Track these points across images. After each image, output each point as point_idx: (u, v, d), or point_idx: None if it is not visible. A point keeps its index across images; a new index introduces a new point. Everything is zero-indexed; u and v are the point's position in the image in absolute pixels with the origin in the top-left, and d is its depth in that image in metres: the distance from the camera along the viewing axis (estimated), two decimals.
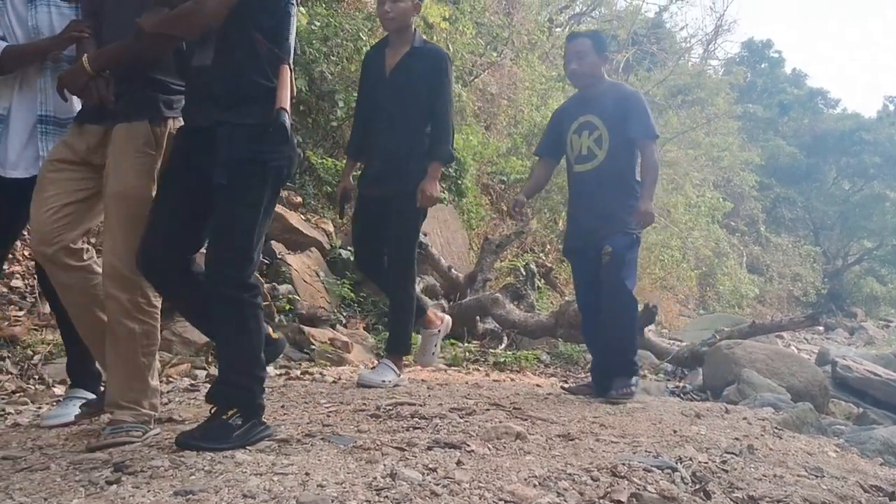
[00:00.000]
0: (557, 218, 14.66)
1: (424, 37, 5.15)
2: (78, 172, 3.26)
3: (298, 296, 7.25)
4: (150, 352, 3.26)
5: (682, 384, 7.12)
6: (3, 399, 4.23)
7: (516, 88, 16.41)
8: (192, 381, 5.00)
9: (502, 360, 7.64)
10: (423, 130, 4.89)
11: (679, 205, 20.46)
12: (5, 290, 5.54)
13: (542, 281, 11.98)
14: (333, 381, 5.27)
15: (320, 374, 5.67)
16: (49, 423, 3.57)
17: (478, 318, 8.85)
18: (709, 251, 22.36)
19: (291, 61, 3.04)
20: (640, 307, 7.97)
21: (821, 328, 18.92)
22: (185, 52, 3.19)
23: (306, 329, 6.66)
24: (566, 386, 5.53)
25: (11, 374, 4.65)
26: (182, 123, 3.22)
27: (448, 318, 5.57)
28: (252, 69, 2.97)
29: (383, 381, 4.87)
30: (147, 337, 3.23)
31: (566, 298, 9.96)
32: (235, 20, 2.93)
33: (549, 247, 14.89)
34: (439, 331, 5.35)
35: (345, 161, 9.90)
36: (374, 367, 5.32)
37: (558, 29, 21.09)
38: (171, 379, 5.01)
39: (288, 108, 2.92)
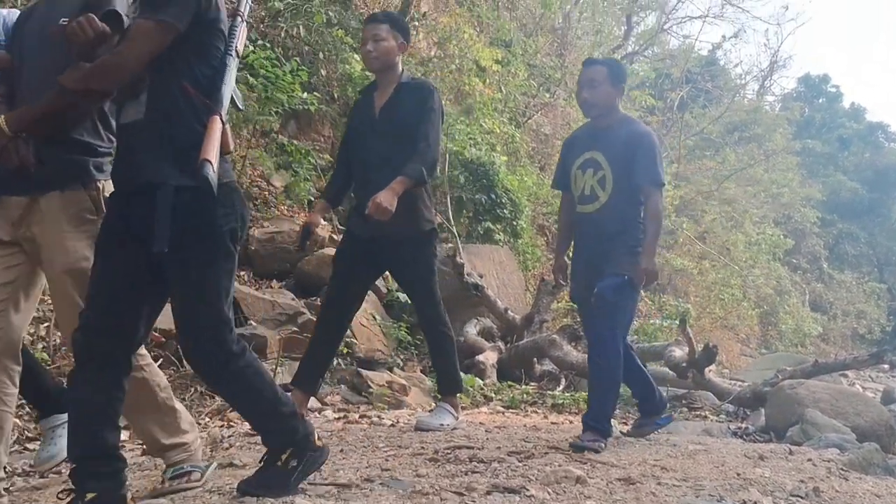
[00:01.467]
0: None
1: (412, 73, 5.06)
2: (4, 251, 3.04)
3: (356, 339, 7.27)
4: (163, 386, 3.22)
5: (744, 425, 6.97)
6: None
7: (570, 128, 16.38)
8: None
9: (560, 401, 7.57)
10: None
11: (739, 242, 20.22)
12: None
13: None
14: (392, 425, 5.27)
15: (378, 417, 5.67)
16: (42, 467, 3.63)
17: (535, 359, 8.80)
18: (770, 289, 22.01)
19: (225, 113, 2.78)
20: (700, 347, 7.89)
21: (886, 366, 18.40)
22: (115, 110, 2.93)
23: (364, 372, 6.69)
24: (625, 430, 5.21)
25: None
26: (113, 188, 2.89)
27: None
28: (188, 123, 2.72)
29: (441, 425, 4.82)
30: (154, 376, 3.19)
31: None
32: (166, 70, 2.72)
33: None
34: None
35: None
36: (431, 411, 5.28)
37: None
38: (231, 423, 5.06)
39: (214, 160, 2.61)
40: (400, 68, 4.82)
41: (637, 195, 4.56)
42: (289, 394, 4.47)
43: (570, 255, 5.05)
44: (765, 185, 24.36)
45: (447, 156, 10.52)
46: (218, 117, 2.71)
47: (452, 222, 10.26)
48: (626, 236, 4.54)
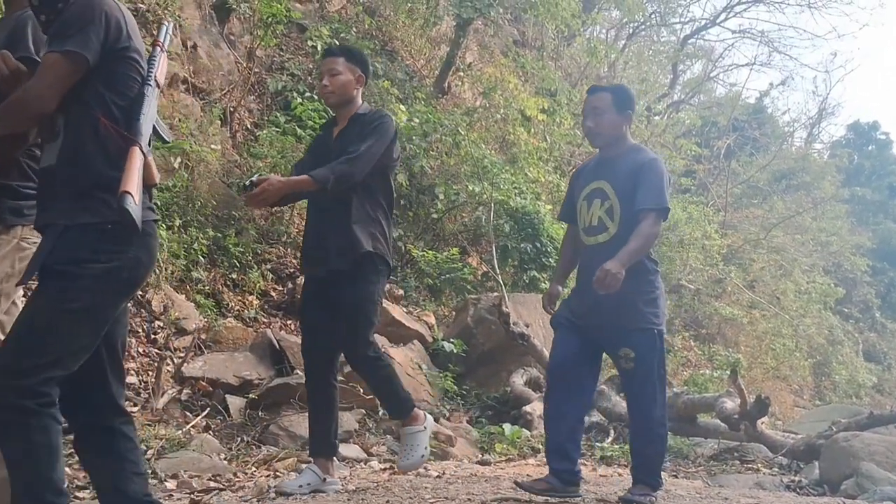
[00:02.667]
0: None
1: (371, 106, 4.76)
2: None
3: None
4: None
5: (797, 478, 6.80)
6: None
7: None
8: (298, 476, 5.00)
9: (609, 454, 7.45)
10: (366, 201, 4.41)
11: (789, 291, 19.92)
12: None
13: None
14: (438, 476, 5.22)
15: (424, 468, 5.62)
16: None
17: None
18: (822, 339, 21.58)
19: (147, 144, 2.67)
20: (752, 398, 7.74)
21: None
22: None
23: None
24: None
25: None
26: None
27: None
28: (98, 159, 2.60)
29: (422, 457, 4.52)
30: None
31: (674, 390, 9.71)
32: (80, 104, 2.61)
33: None
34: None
35: (444, 254, 10.09)
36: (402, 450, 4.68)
37: (657, 117, 21.08)
38: (277, 473, 5.04)
39: (134, 191, 2.50)
40: (359, 101, 4.56)
41: None
42: (311, 467, 4.45)
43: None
44: (813, 234, 24.03)
45: (492, 205, 10.55)
46: (137, 149, 2.60)
47: (498, 271, 10.24)
48: (639, 272, 4.19)
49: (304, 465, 4.74)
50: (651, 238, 4.20)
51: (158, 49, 2.82)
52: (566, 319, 4.43)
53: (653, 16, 23.15)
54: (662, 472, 4.56)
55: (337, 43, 10.68)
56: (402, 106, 10.73)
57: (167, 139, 2.88)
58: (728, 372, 9.71)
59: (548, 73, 14.77)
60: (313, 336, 4.47)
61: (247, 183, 4.19)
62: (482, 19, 13.40)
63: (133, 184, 2.51)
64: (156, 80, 2.74)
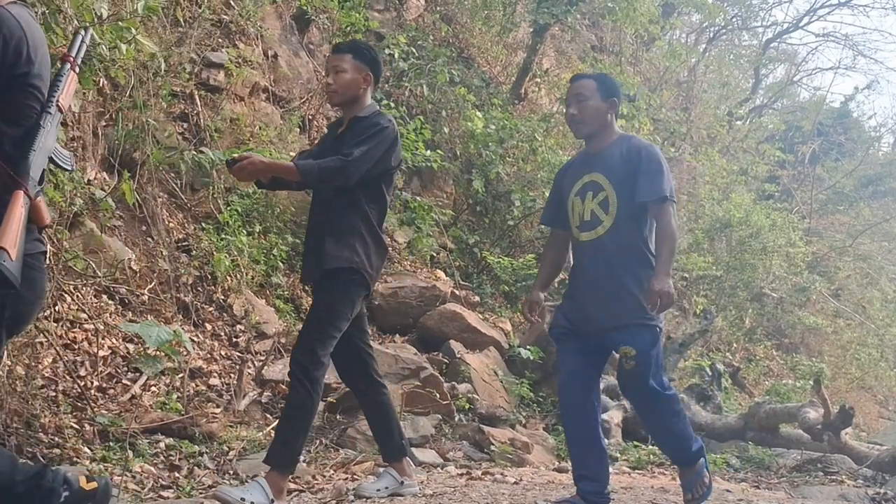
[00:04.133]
0: (744, 315, 14.18)
1: (379, 109, 4.42)
2: None
3: (477, 395, 7.26)
4: None
5: (882, 490, 6.62)
6: (201, 493, 4.40)
7: (696, 183, 16.17)
8: (376, 479, 5.03)
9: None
10: (348, 210, 4.12)
11: (875, 300, 19.36)
12: (204, 387, 5.82)
13: (730, 381, 11.53)
14: (515, 483, 5.20)
15: (501, 474, 5.61)
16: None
17: None
18: None
19: (36, 183, 2.43)
20: (836, 408, 7.55)
21: None
22: None
23: (486, 429, 6.65)
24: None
25: (209, 468, 4.85)
26: None
27: (415, 485, 4.47)
28: None
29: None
30: None
31: (755, 400, 9.53)
32: None
33: (735, 345, 14.38)
34: (402, 483, 4.38)
35: (519, 260, 10.07)
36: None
37: (739, 122, 20.73)
38: (355, 477, 5.08)
39: (10, 246, 2.26)
40: (366, 101, 4.24)
41: (643, 217, 4.02)
42: (388, 470, 4.42)
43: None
44: None
45: None
46: (21, 194, 2.34)
47: None
48: (637, 263, 3.98)
49: (381, 469, 4.77)
50: (673, 232, 3.95)
51: (68, 66, 2.56)
52: (564, 329, 4.16)
53: (734, 19, 22.80)
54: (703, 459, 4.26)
55: (414, 51, 10.79)
56: (478, 112, 10.75)
57: (67, 167, 2.64)
58: (811, 382, 9.50)
59: (626, 78, 14.64)
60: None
61: (230, 158, 4.06)
62: (559, 25, 13.36)
63: (9, 238, 2.27)
64: (58, 106, 2.48)
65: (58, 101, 2.46)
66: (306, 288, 7.50)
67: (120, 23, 4.89)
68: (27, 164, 2.37)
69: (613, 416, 8.30)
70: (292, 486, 4.66)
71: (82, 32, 2.70)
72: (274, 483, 3.83)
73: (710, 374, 10.51)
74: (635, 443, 7.89)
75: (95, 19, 4.58)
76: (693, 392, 9.06)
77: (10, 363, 4.62)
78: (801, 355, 16.24)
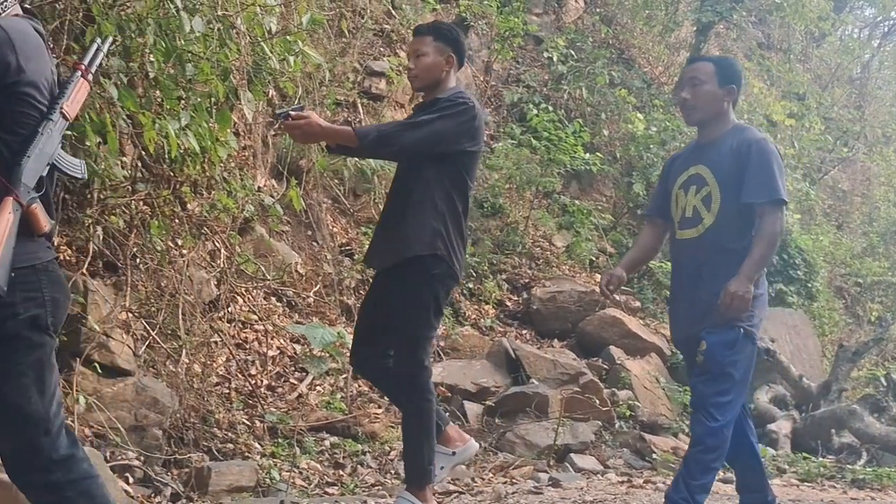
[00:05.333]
0: None
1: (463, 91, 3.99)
2: None
3: (639, 402, 7.14)
4: None
5: None
6: (364, 492, 4.52)
7: (870, 184, 15.42)
8: (536, 484, 5.03)
9: (861, 477, 6.98)
10: (434, 190, 3.72)
11: None
12: (366, 388, 5.97)
13: None
14: None
15: (664, 483, 5.49)
16: None
17: (832, 430, 8.21)
18: None
19: (31, 190, 2.38)
20: None
21: None
22: None
23: (647, 436, 6.53)
24: None
25: (371, 467, 4.97)
26: None
27: (473, 443, 4.03)
28: None
29: None
30: None
31: None
32: None
33: None
34: (454, 452, 3.89)
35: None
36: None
37: None
38: (513, 480, 5.10)
39: None
40: (449, 85, 3.87)
41: (749, 218, 3.62)
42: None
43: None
44: None
45: None
46: (11, 200, 2.30)
47: None
48: (734, 271, 3.54)
49: (539, 474, 4.77)
50: (776, 236, 3.59)
51: (78, 73, 2.52)
52: (681, 341, 3.93)
53: None
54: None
55: (573, 53, 10.73)
56: (639, 114, 10.58)
57: (77, 175, 2.58)
58: None
59: (795, 76, 14.13)
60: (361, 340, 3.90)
61: (284, 111, 3.66)
62: (724, 23, 13.00)
63: None
64: (62, 113, 2.44)
65: (62, 108, 2.44)
66: (469, 291, 7.58)
67: (288, 36, 5.07)
68: (19, 170, 2.35)
69: (782, 426, 8.02)
70: (452, 487, 4.71)
71: (98, 42, 2.67)
72: (420, 496, 3.63)
73: (885, 384, 9.99)
74: (805, 454, 7.58)
75: (266, 34, 4.78)
76: (867, 403, 8.61)
77: (187, 361, 4.88)
78: None
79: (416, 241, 3.63)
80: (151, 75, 4.30)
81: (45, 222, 2.40)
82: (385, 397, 5.87)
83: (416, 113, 3.88)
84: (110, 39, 2.99)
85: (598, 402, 6.53)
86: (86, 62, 2.55)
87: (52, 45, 2.44)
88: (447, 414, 4.10)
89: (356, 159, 6.98)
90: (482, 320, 7.88)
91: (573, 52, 10.97)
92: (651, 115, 10.79)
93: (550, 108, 9.75)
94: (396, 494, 3.93)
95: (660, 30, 13.24)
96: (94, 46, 2.64)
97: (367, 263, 4.21)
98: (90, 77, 2.56)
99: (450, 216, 3.72)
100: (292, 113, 3.60)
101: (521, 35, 9.95)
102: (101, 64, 2.71)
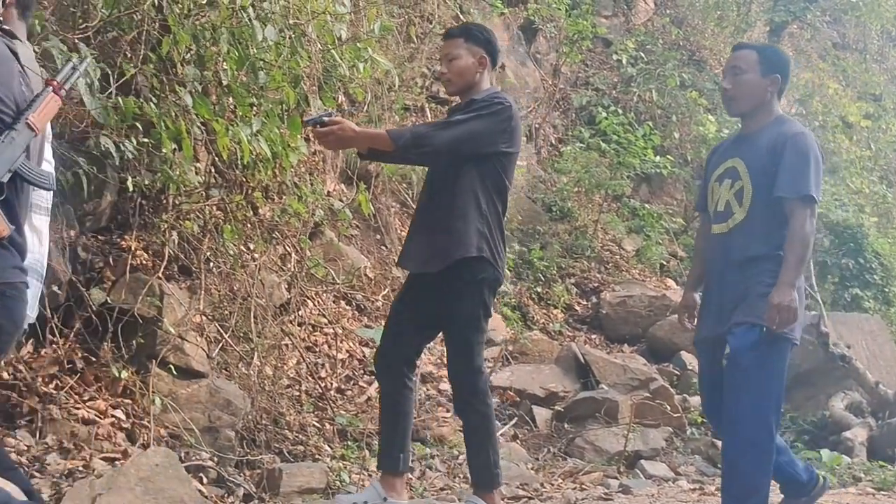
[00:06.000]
0: None
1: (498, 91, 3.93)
2: None
3: None
4: None
5: None
6: (433, 495, 4.53)
7: None
8: (606, 490, 4.99)
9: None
10: (478, 192, 3.69)
11: None
12: (434, 392, 5.98)
13: None
14: None
15: None
16: None
17: None
18: None
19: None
20: None
21: None
22: None
23: (719, 443, 6.42)
24: None
25: (440, 471, 4.98)
26: None
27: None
28: None
29: None
30: None
31: None
32: None
33: None
34: (386, 499, 3.72)
35: None
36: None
37: None
38: (583, 487, 5.06)
39: None
40: (483, 86, 3.81)
41: (780, 218, 3.42)
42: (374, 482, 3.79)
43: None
44: None
45: None
46: None
47: (816, 289, 9.64)
48: (764, 265, 3.40)
49: (609, 480, 4.73)
50: (808, 237, 3.37)
51: (49, 88, 2.54)
52: (702, 340, 3.70)
53: None
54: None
55: (643, 55, 10.64)
56: (710, 116, 10.44)
57: (45, 185, 2.56)
58: None
59: (871, 77, 13.80)
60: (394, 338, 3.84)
61: (315, 119, 3.62)
62: (797, 23, 12.76)
63: None
64: (27, 124, 2.44)
65: (27, 119, 2.44)
66: (537, 295, 7.55)
67: (358, 43, 5.12)
68: None
69: (857, 433, 7.81)
70: (521, 493, 4.70)
71: (74, 61, 2.70)
72: (488, 499, 3.64)
73: None
74: (881, 462, 7.38)
75: (336, 41, 4.83)
76: None
77: (259, 363, 4.95)
78: None
79: (463, 244, 3.61)
80: (225, 83, 4.40)
81: (3, 228, 2.36)
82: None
83: (451, 114, 3.86)
84: (88, 59, 3.03)
85: (669, 408, 6.46)
86: (59, 78, 2.57)
87: (22, 64, 2.48)
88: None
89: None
90: (551, 324, 7.85)
91: (643, 55, 10.87)
92: (723, 117, 10.62)
93: (620, 111, 9.68)
94: (465, 498, 3.96)
95: (731, 31, 13.06)
96: (70, 65, 2.66)
97: (405, 266, 4.13)
98: (62, 93, 2.57)
99: (492, 218, 3.72)
100: (325, 119, 3.58)
101: (590, 38, 9.89)
102: (73, 83, 2.73)
